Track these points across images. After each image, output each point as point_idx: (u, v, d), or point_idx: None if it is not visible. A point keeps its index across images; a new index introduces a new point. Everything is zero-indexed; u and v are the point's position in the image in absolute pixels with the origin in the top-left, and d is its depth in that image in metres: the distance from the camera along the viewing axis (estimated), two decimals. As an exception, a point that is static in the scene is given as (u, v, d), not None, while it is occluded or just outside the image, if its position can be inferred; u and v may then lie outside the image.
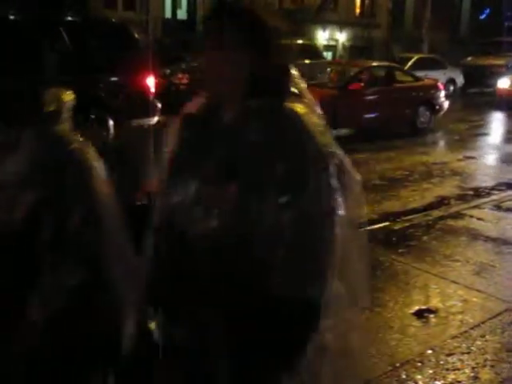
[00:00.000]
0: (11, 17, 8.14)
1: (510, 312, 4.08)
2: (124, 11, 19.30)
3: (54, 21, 8.58)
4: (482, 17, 29.74)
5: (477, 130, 12.68)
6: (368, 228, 6.33)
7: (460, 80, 18.57)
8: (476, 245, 5.34)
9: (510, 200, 6.86)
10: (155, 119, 9.45)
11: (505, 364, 3.40)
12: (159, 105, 9.45)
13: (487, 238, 5.51)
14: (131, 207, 3.69)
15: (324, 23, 22.54)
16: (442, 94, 12.40)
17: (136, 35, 9.35)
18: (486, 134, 12.34)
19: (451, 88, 18.32)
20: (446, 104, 12.54)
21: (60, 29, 8.31)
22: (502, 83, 15.88)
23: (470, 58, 19.97)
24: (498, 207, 6.58)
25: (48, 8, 10.88)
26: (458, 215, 6.23)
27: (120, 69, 8.86)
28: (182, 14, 21.57)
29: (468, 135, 12.34)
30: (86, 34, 8.70)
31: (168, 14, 20.86)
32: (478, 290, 4.38)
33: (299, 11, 21.23)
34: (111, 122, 8.64)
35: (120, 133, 8.91)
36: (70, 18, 8.81)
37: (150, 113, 8.99)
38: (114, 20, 9.91)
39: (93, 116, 8.47)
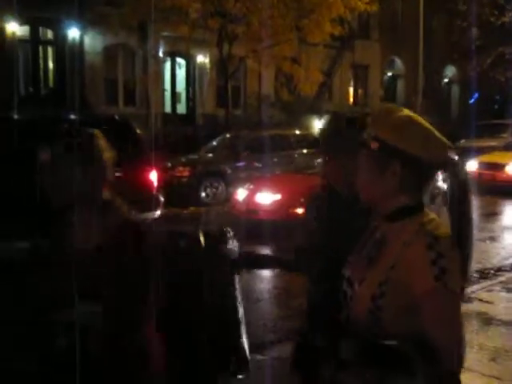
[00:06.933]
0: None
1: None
2: (125, 106, 19.87)
3: (53, 120, 8.76)
4: (471, 101, 30.64)
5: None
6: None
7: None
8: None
9: None
10: (158, 212, 9.50)
11: None
12: (162, 199, 9.52)
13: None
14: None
15: (319, 112, 23.19)
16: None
17: (138, 130, 9.56)
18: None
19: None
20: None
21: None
22: (239, 194, 10.98)
23: (463, 141, 20.31)
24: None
25: (48, 107, 11.18)
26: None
27: (123, 164, 8.97)
28: (181, 108, 22.21)
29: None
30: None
31: (168, 108, 21.47)
32: (495, 377, 4.28)
33: (295, 102, 21.86)
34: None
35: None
36: (72, 116, 8.98)
37: (153, 207, 9.04)
38: (116, 116, 10.15)
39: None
